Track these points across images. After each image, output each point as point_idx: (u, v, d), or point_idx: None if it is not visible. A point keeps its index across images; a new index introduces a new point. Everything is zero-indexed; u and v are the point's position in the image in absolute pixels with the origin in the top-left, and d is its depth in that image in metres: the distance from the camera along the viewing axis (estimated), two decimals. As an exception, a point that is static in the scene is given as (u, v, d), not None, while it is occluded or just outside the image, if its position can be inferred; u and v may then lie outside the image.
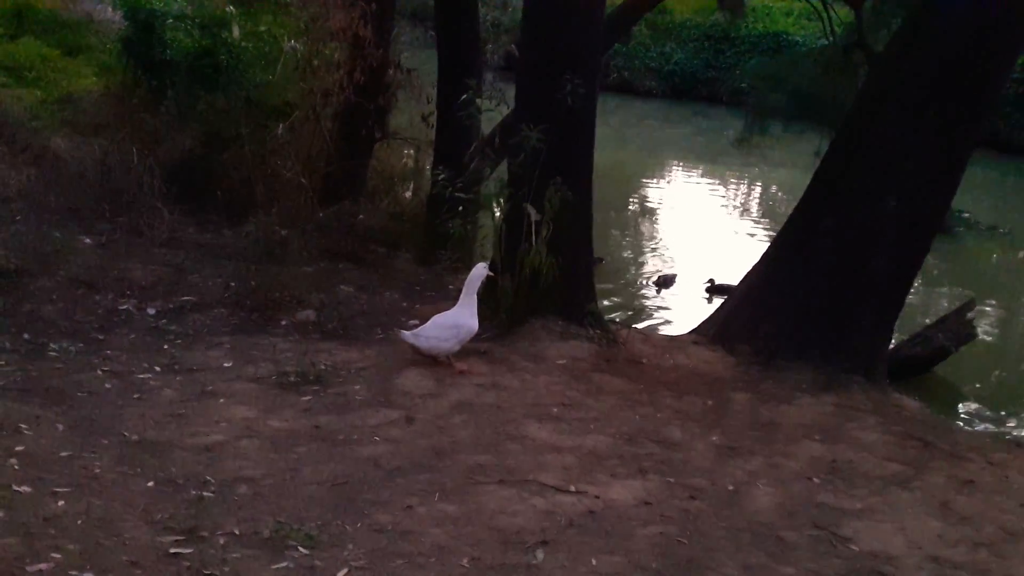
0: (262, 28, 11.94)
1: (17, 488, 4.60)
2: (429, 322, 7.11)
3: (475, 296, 7.05)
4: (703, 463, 6.02)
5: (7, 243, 8.24)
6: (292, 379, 6.57)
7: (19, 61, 14.13)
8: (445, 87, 9.79)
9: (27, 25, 15.79)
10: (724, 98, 28.20)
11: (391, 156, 12.20)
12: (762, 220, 18.37)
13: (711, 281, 13.38)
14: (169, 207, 9.79)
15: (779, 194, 21.34)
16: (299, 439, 5.69)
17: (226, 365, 6.80)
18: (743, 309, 8.95)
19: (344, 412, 6.15)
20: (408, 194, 11.38)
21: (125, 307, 7.72)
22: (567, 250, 7.63)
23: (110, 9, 16.27)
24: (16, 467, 4.84)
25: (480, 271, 7.18)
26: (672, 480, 5.68)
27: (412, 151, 12.21)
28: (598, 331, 7.84)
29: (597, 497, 5.24)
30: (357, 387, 6.57)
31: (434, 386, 6.68)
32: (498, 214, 7.73)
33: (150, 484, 4.92)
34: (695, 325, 9.51)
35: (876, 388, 7.70)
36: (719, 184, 22.10)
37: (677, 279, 13.64)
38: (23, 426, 5.33)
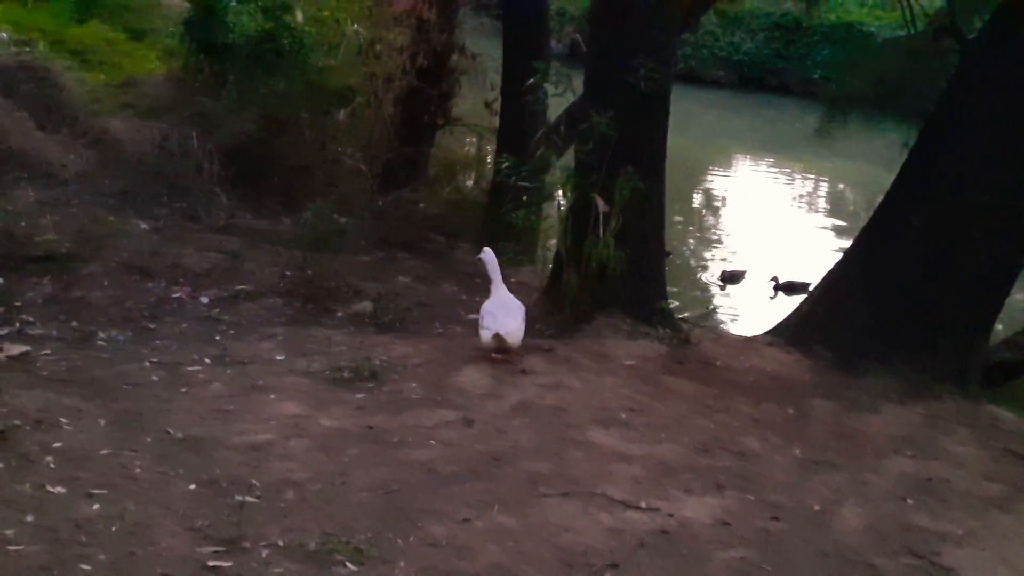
0: (325, 13, 11.67)
1: (51, 488, 4.33)
2: (504, 318, 6.67)
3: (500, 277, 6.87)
4: (784, 478, 5.59)
5: (60, 227, 8.03)
6: (345, 375, 6.26)
7: (85, 44, 14.05)
8: (511, 72, 9.42)
9: (94, 9, 15.75)
10: (794, 88, 27.51)
11: (453, 143, 11.88)
12: (832, 215, 17.80)
13: (775, 279, 12.88)
14: (226, 192, 9.56)
15: (850, 188, 20.70)
16: (350, 440, 5.37)
17: (278, 358, 6.51)
18: (822, 310, 8.49)
19: (398, 411, 5.82)
20: (469, 182, 11.03)
21: (177, 295, 7.46)
22: (637, 243, 7.24)
23: (177, -6, 16.19)
24: (52, 465, 4.57)
25: (489, 255, 6.93)
26: (751, 497, 5.26)
27: (474, 138, 11.88)
28: (668, 330, 7.43)
29: (670, 515, 4.84)
30: (413, 384, 6.24)
31: (492, 385, 6.33)
32: (564, 204, 7.35)
33: (191, 487, 4.62)
34: (769, 325, 9.05)
35: (968, 397, 7.19)
36: (787, 176, 21.49)
37: (745, 275, 13.16)
38: (63, 420, 5.07)
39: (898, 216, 8.02)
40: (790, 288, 12.88)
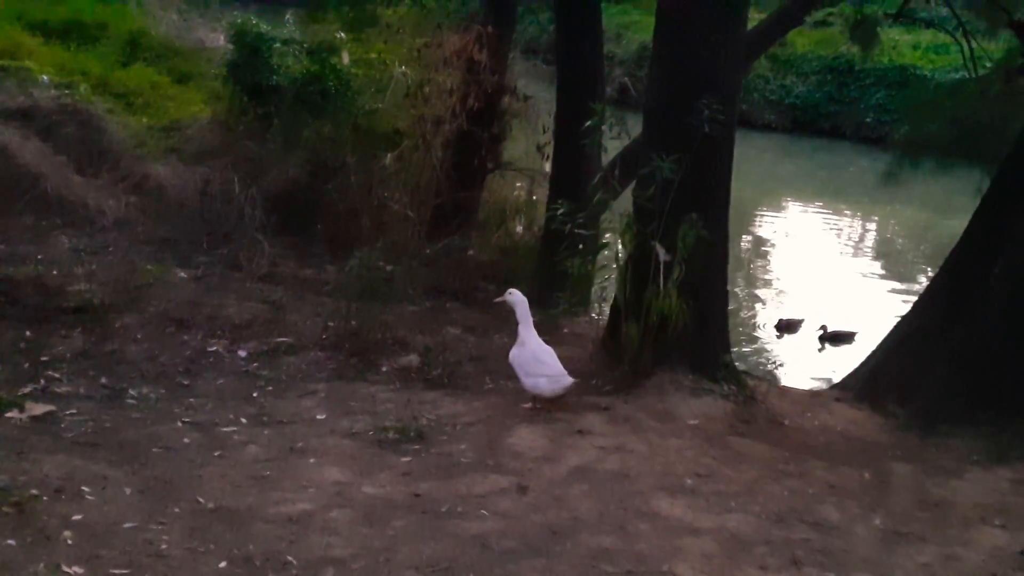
0: (372, 54, 11.40)
1: (67, 568, 3.96)
2: (553, 363, 6.42)
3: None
4: (867, 552, 5.09)
5: (95, 276, 7.75)
6: (391, 435, 5.85)
7: (129, 87, 13.94)
8: (564, 114, 9.01)
9: (140, 52, 15.70)
10: (848, 132, 26.93)
11: (503, 188, 11.48)
12: (887, 261, 17.11)
13: (824, 328, 12.33)
14: (269, 239, 9.24)
15: (905, 234, 20.00)
16: (396, 510, 4.94)
17: (319, 417, 6.12)
18: (894, 363, 7.99)
19: (448, 477, 5.39)
20: (519, 228, 10.62)
21: (215, 348, 7.12)
22: (700, 294, 6.78)
23: (222, 37, 16.06)
24: (70, 541, 4.20)
25: (520, 296, 6.63)
26: (832, 575, 4.76)
27: (524, 183, 11.50)
28: (733, 386, 6.95)
29: (748, 599, 4.36)
30: (463, 446, 5.82)
31: (549, 447, 5.89)
32: (622, 252, 6.92)
33: (222, 565, 4.22)
34: (814, 374, 8.59)
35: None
36: (840, 222, 20.86)
37: (803, 325, 12.60)
38: (86, 489, 4.71)
39: (978, 265, 7.52)
40: (836, 338, 12.35)
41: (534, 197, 10.83)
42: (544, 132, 10.07)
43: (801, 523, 5.28)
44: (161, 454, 5.34)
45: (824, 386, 9.26)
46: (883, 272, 16.24)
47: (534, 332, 6.58)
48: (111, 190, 10.10)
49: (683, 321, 6.60)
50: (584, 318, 8.94)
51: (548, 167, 9.94)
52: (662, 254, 6.58)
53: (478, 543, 4.68)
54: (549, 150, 10.09)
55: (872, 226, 21.03)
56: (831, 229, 20.28)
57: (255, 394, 6.46)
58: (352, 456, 5.54)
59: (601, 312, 8.85)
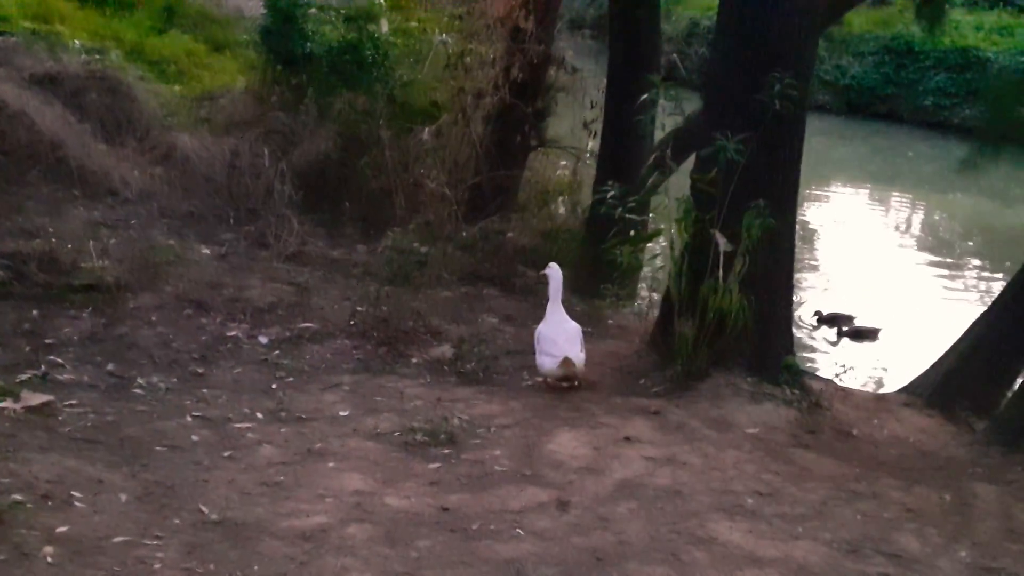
0: (413, 23, 10.82)
1: (41, 595, 3.44)
2: (564, 343, 6.20)
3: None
4: (953, 591, 4.48)
5: (112, 252, 7.24)
6: (419, 437, 5.31)
7: (164, 55, 13.50)
8: (616, 88, 8.38)
9: (176, 19, 15.30)
10: (905, 116, 26.01)
11: (545, 167, 10.87)
12: (937, 252, 16.25)
13: (818, 313, 11.60)
14: (299, 216, 8.72)
15: (961, 224, 19.09)
16: (421, 527, 4.41)
17: (342, 414, 5.59)
18: (969, 368, 7.34)
19: (480, 489, 4.85)
20: (562, 211, 10.01)
21: (234, 333, 6.61)
22: (763, 289, 6.18)
23: (261, 5, 15.59)
24: (50, 559, 3.69)
25: (557, 272, 6.46)
26: (917, 619, 4.17)
27: (568, 162, 10.89)
28: (796, 391, 6.34)
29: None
30: (497, 452, 5.27)
31: (592, 456, 5.32)
32: (677, 242, 6.32)
33: (221, 591, 3.69)
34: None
35: None
36: (894, 209, 20.04)
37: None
38: (77, 495, 4.21)
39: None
40: (832, 321, 11.60)
41: (578, 178, 10.22)
42: (592, 108, 9.47)
43: (878, 554, 4.68)
44: (165, 454, 4.84)
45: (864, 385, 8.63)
46: (931, 261, 15.44)
47: (560, 309, 6.40)
48: (136, 161, 9.59)
49: (744, 320, 6.00)
50: (630, 310, 8.36)
51: (595, 146, 9.34)
52: (722, 244, 5.98)
53: (512, 569, 4.13)
54: (596, 127, 9.51)
55: (926, 214, 20.17)
56: (882, 216, 19.51)
57: (274, 385, 5.94)
58: (375, 461, 5.01)
59: (651, 305, 8.29)
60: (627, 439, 5.52)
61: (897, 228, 18.76)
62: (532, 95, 8.85)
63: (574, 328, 6.36)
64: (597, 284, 7.97)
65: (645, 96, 6.26)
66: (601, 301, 7.14)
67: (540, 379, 6.37)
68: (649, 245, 7.64)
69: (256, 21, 11.70)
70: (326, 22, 10.56)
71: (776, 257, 6.20)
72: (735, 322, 6.02)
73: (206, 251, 8.12)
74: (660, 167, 6.82)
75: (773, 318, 6.39)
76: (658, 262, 7.11)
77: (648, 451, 5.41)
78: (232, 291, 7.28)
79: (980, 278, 14.75)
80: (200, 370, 6.03)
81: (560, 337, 6.23)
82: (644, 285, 8.34)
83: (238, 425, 5.28)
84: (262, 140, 9.52)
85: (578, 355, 6.20)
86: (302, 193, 8.98)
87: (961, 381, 7.32)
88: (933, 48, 26.11)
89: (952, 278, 14.64)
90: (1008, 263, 15.38)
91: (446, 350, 6.71)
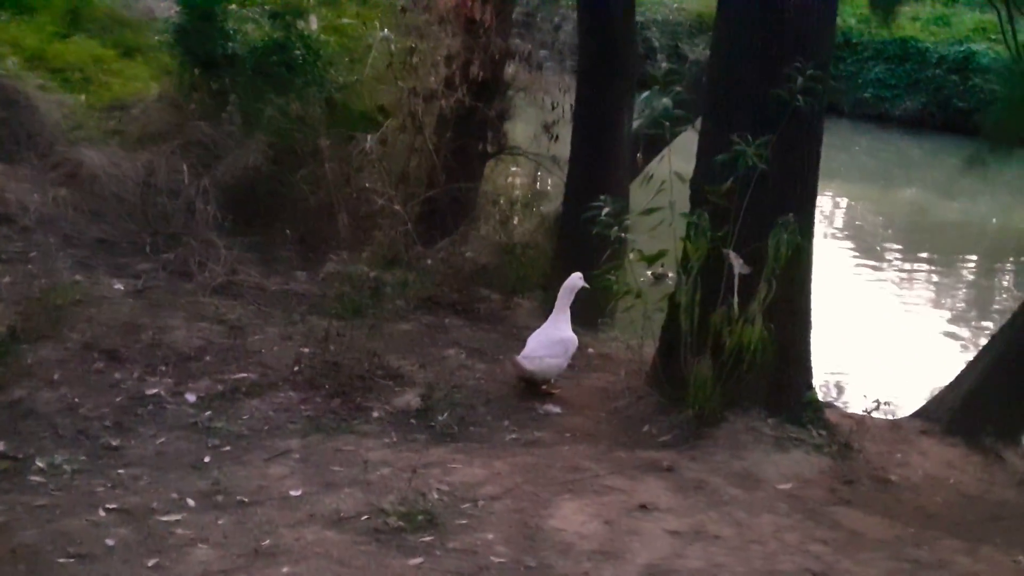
0: (346, 20, 9.77)
1: None
2: (532, 342, 6.03)
3: (568, 310, 6.07)
4: None
5: (4, 293, 6.12)
6: (392, 521, 4.29)
7: (68, 62, 12.32)
8: (588, 88, 7.35)
9: (82, 23, 14.12)
10: (845, 109, 25.46)
11: (498, 176, 9.87)
12: (864, 245, 15.47)
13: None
14: (226, 241, 7.64)
15: (902, 218, 18.37)
16: (409, 659, 3.39)
17: (293, 494, 4.54)
18: (991, 389, 6.53)
19: (476, 591, 3.85)
20: (524, 224, 9.01)
21: (155, 391, 5.51)
22: (781, 316, 5.26)
23: (174, 7, 14.45)
24: None
25: (576, 281, 6.07)
26: None
27: (522, 169, 9.91)
28: (823, 432, 5.44)
29: None
30: (490, 536, 4.26)
31: (605, 534, 4.35)
32: (689, 264, 5.35)
33: None
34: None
35: None
36: (837, 207, 19.33)
37: None
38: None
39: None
40: None
41: (539, 187, 9.27)
42: (553, 108, 8.51)
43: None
44: (72, 568, 3.75)
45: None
46: (856, 252, 14.68)
47: (561, 316, 6.09)
48: (36, 181, 8.43)
49: (768, 355, 5.09)
50: (611, 334, 7.42)
51: (557, 152, 8.38)
52: (738, 266, 5.06)
53: None
54: (557, 130, 8.56)
55: (863, 208, 19.44)
56: (828, 216, 18.79)
57: (207, 458, 4.86)
58: (341, 560, 3.97)
59: (641, 332, 7.40)
60: (643, 507, 4.56)
61: (833, 224, 18.04)
62: (490, 96, 7.84)
63: (558, 336, 6.03)
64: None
65: (646, 94, 5.28)
66: (603, 333, 6.19)
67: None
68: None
69: (170, 21, 10.55)
70: (249, 20, 9.49)
71: (794, 278, 5.28)
72: (752, 358, 5.10)
73: (119, 286, 7.01)
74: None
75: (791, 348, 5.48)
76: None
77: (670, 522, 4.46)
78: (151, 335, 6.18)
79: (932, 271, 14.08)
80: (115, 442, 4.92)
81: (535, 338, 6.06)
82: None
83: (164, 518, 4.20)
84: (181, 154, 8.43)
85: (544, 360, 5.95)
86: (229, 214, 7.91)
87: (983, 404, 6.53)
88: (871, 40, 25.65)
89: (880, 264, 13.96)
90: (958, 255, 14.90)
91: (411, 399, 5.69)
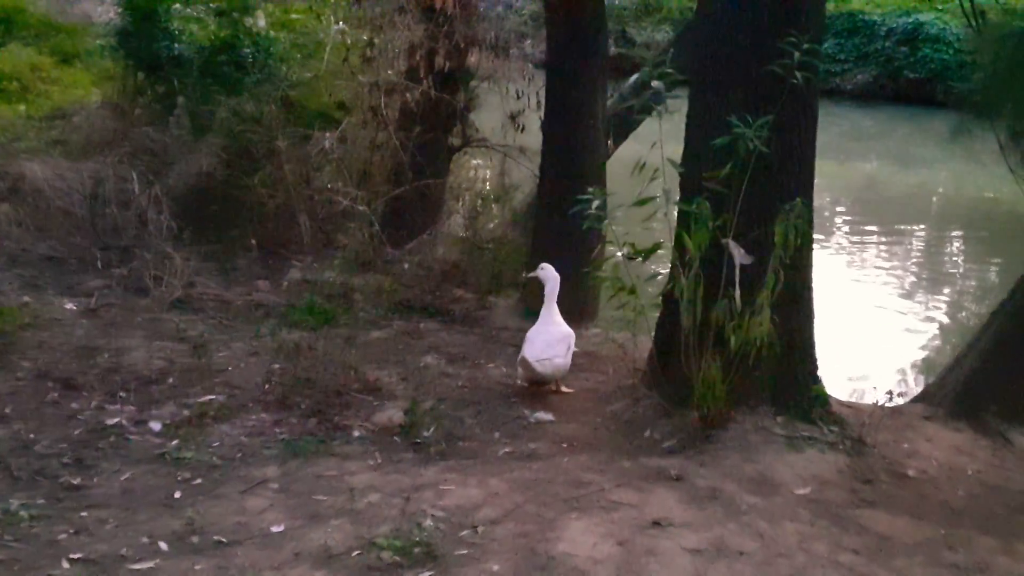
0: (293, 15, 9.35)
1: None
2: (537, 343, 5.75)
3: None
4: None
5: (-56, 322, 5.65)
6: (387, 556, 3.91)
7: (3, 72, 11.81)
8: (559, 75, 6.95)
9: (15, 31, 13.61)
10: (796, 85, 25.31)
11: (461, 169, 9.50)
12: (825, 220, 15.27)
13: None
14: (182, 251, 7.25)
15: (858, 189, 18.21)
16: None
17: (276, 530, 4.14)
18: (993, 368, 6.26)
19: (488, 633, 3.48)
20: (494, 219, 8.64)
21: (116, 420, 5.08)
22: (784, 306, 4.93)
23: (112, 10, 13.92)
24: None
25: (551, 273, 5.94)
26: None
27: (480, 161, 9.55)
28: (833, 427, 5.14)
29: None
30: (495, 567, 3.90)
31: (620, 557, 3.99)
32: (688, 256, 4.99)
33: None
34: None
35: None
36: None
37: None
38: None
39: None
40: None
41: (505, 179, 8.89)
42: (518, 97, 8.14)
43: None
44: (31, 635, 3.34)
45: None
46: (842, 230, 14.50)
47: (553, 311, 5.90)
48: (-26, 198, 7.94)
49: (775, 350, 4.77)
50: (595, 331, 7.10)
51: (533, 141, 8.00)
52: (739, 256, 4.73)
53: None
54: (523, 120, 8.21)
55: (819, 183, 19.28)
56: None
57: (177, 494, 4.44)
58: (335, 604, 3.59)
59: (608, 321, 7.06)
60: (656, 523, 4.21)
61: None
62: (454, 87, 7.44)
63: (560, 332, 5.84)
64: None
65: (635, 77, 4.90)
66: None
67: (518, 381, 5.89)
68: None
69: (110, 24, 10.06)
70: (193, 19, 9.04)
71: (796, 266, 4.95)
72: (758, 353, 4.77)
73: (70, 306, 6.59)
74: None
75: (796, 340, 5.16)
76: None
77: (688, 539, 4.12)
78: (108, 358, 5.76)
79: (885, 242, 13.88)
80: (76, 480, 4.49)
81: (539, 338, 5.77)
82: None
83: (136, 566, 3.79)
84: (128, 162, 8.03)
85: (554, 360, 5.70)
86: (183, 223, 7.49)
87: (985, 384, 6.25)
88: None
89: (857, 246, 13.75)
90: (916, 225, 14.74)
91: (393, 414, 5.30)
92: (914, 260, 13.23)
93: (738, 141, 4.54)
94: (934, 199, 17.53)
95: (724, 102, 4.86)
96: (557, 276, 5.93)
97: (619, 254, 5.11)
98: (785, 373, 5.14)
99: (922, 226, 15.14)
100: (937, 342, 9.87)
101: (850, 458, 4.97)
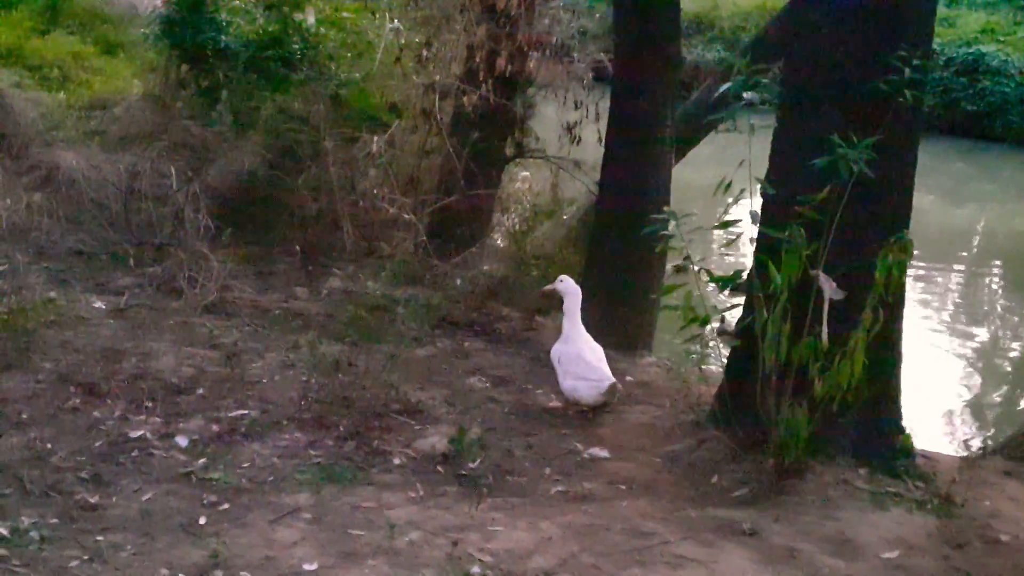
0: (344, 13, 8.99)
1: None
2: (598, 365, 5.45)
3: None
4: None
5: (-32, 314, 5.31)
6: (432, 606, 3.49)
7: (46, 59, 11.62)
8: (626, 79, 6.53)
9: (61, 19, 13.46)
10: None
11: (511, 181, 9.09)
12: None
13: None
14: (219, 253, 6.88)
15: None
16: None
17: (308, 568, 3.73)
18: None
19: None
20: (536, 231, 8.23)
21: (140, 432, 4.69)
22: (873, 347, 4.48)
23: (158, 1, 13.69)
24: None
25: (572, 286, 5.61)
26: None
27: (528, 172, 9.14)
28: (919, 483, 4.68)
29: None
30: (556, 627, 3.47)
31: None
32: (776, 285, 4.55)
33: None
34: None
35: None
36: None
37: None
38: None
39: None
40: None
41: (557, 192, 8.49)
42: (577, 107, 7.74)
43: None
44: None
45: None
46: None
47: (582, 327, 5.59)
48: (8, 186, 7.69)
49: (863, 395, 4.33)
50: (649, 359, 6.67)
51: (587, 154, 7.61)
52: (829, 291, 4.28)
53: None
54: (579, 131, 7.81)
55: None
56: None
57: (202, 520, 4.04)
58: (372, 663, 3.18)
59: (664, 349, 6.64)
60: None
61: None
62: (514, 92, 7.04)
63: (600, 351, 5.60)
64: (611, 328, 6.29)
65: (726, 86, 4.46)
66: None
67: (558, 405, 5.58)
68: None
69: (156, 13, 9.75)
70: (241, 11, 8.71)
71: (892, 304, 4.50)
72: (848, 398, 4.32)
73: (99, 304, 6.24)
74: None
75: (883, 385, 4.71)
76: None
77: (769, 608, 3.68)
78: (135, 363, 5.40)
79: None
80: (93, 499, 4.10)
81: (592, 356, 5.48)
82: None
83: (152, 604, 3.40)
84: (167, 156, 7.68)
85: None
86: (221, 222, 7.14)
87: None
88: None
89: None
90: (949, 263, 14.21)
91: (436, 441, 4.89)
92: (955, 295, 12.74)
93: (840, 163, 4.10)
94: (976, 237, 16.95)
95: (820, 120, 4.42)
96: (578, 289, 5.62)
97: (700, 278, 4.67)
98: (869, 421, 4.69)
99: (961, 264, 14.57)
100: (981, 381, 9.41)
101: (939, 519, 4.51)
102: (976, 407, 8.85)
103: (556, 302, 5.89)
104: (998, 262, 14.83)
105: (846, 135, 4.22)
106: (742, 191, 4.39)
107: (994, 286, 13.81)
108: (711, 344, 4.74)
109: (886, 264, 4.10)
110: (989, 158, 21.53)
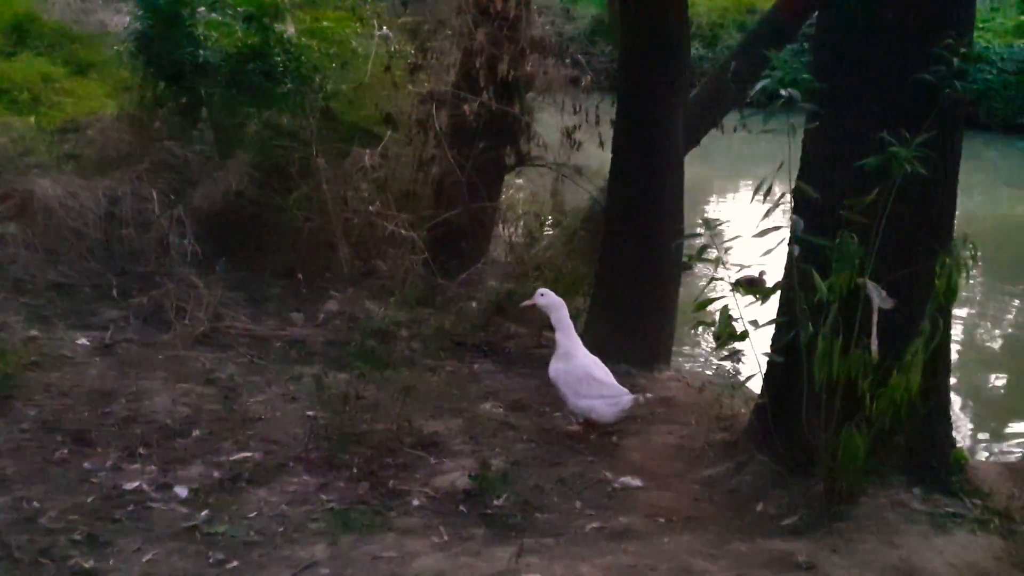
0: (324, 23, 8.63)
1: None
2: (609, 380, 5.17)
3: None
4: None
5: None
6: (471, 674, 3.14)
7: (14, 81, 11.26)
8: (634, 82, 6.19)
9: (28, 40, 13.13)
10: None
11: (511, 191, 8.75)
12: None
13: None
14: (208, 279, 6.50)
15: None
16: None
17: (330, 633, 3.37)
18: None
19: None
20: (544, 242, 7.89)
21: (136, 483, 4.32)
22: (927, 361, 4.15)
23: (128, 19, 13.30)
24: None
25: (554, 299, 5.31)
26: None
27: (522, 180, 8.80)
28: (975, 499, 4.36)
29: None
30: None
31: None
32: (822, 296, 4.21)
33: None
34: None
35: None
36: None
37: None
38: None
39: None
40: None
41: (558, 199, 8.15)
42: (576, 112, 7.41)
43: None
44: None
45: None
46: None
47: (578, 340, 5.31)
48: (-21, 216, 7.26)
49: (921, 411, 4.01)
50: (668, 372, 6.34)
51: (587, 159, 7.28)
52: (878, 300, 3.96)
53: None
54: (578, 135, 7.49)
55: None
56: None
57: (210, 580, 3.68)
58: None
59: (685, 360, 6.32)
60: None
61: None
62: (514, 97, 6.70)
63: (600, 361, 5.31)
64: (627, 342, 5.97)
65: (763, 83, 4.13)
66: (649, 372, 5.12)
67: (578, 429, 5.24)
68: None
69: (130, 29, 9.37)
70: (218, 24, 8.34)
71: (943, 314, 4.18)
72: (902, 414, 4.00)
73: (83, 341, 5.87)
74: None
75: (933, 398, 4.39)
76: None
77: (836, 651, 3.35)
78: (125, 405, 5.03)
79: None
80: (88, 563, 3.73)
81: (604, 375, 5.19)
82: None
83: None
84: (148, 179, 7.31)
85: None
86: (209, 247, 6.77)
87: None
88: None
89: None
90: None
91: (456, 477, 4.54)
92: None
93: (892, 162, 3.78)
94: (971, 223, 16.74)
95: (858, 115, 4.11)
96: (561, 300, 5.33)
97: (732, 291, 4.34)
98: (920, 437, 4.37)
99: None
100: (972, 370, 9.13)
101: (1004, 540, 4.19)
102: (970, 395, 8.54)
103: (544, 317, 5.54)
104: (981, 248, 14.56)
105: (895, 131, 3.90)
106: (782, 196, 4.06)
107: (978, 273, 13.57)
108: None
109: (946, 270, 3.78)
110: (974, 145, 21.35)
